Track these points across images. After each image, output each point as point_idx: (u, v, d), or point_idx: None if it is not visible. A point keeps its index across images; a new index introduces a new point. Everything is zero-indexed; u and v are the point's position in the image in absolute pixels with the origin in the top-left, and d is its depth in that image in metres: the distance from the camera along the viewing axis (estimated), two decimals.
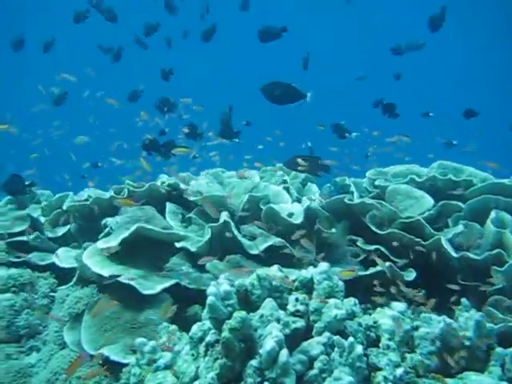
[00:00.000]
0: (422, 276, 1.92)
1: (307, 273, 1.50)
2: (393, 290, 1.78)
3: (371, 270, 1.87)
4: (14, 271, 1.93)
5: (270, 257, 1.90)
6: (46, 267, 2.03)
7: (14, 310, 1.83)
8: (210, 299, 1.32)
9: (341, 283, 1.48)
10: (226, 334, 1.28)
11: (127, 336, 1.59)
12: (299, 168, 2.79)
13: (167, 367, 1.41)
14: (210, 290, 1.34)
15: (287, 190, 2.48)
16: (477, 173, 2.59)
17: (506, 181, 2.33)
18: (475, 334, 1.44)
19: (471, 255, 1.85)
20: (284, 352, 1.21)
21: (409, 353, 1.43)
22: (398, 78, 4.87)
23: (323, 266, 1.47)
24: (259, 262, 1.88)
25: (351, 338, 1.26)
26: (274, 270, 1.50)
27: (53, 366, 1.59)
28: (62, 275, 1.98)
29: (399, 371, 1.32)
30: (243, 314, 1.29)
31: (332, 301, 1.39)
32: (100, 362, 1.48)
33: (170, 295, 1.71)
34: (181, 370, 1.36)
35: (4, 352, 1.73)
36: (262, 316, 1.33)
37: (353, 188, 2.64)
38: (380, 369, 1.31)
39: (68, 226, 2.25)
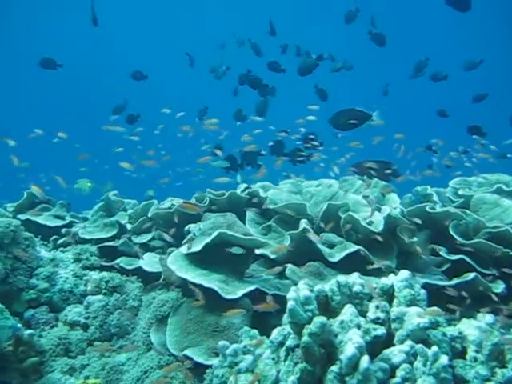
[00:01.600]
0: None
1: (388, 280, 1.47)
2: (480, 301, 1.71)
3: (456, 281, 1.81)
4: (105, 274, 2.06)
5: (349, 265, 1.89)
6: (133, 271, 2.14)
7: (106, 309, 1.94)
8: (290, 304, 1.33)
9: (423, 291, 1.44)
10: (305, 338, 1.29)
11: (210, 339, 1.64)
12: (368, 171, 2.76)
13: (249, 370, 1.43)
14: (290, 294, 1.35)
15: (367, 199, 2.45)
16: None
17: None
18: None
19: None
20: (365, 358, 1.20)
21: (499, 368, 1.36)
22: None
23: (404, 273, 1.45)
24: (339, 269, 1.87)
25: (435, 347, 1.23)
26: (353, 277, 1.49)
27: (142, 366, 1.66)
28: (148, 279, 2.08)
29: None
30: (323, 319, 1.30)
31: (414, 309, 1.35)
32: (184, 363, 1.53)
33: (251, 300, 1.74)
34: (262, 373, 1.39)
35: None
36: (342, 322, 1.32)
37: (435, 197, 2.57)
38: (467, 381, 1.27)
39: (153, 233, 2.36)
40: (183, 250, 1.81)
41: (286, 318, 1.40)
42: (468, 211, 2.12)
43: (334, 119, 2.91)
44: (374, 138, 3.03)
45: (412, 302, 1.41)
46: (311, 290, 1.43)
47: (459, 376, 1.28)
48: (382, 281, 1.49)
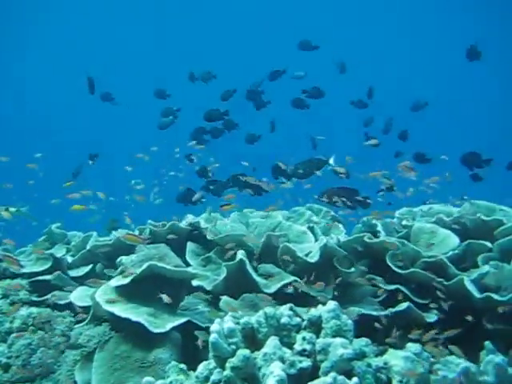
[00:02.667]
0: (445, 318, 1.84)
1: (316, 311, 1.46)
2: (413, 331, 1.71)
3: (390, 310, 1.81)
4: (33, 310, 1.97)
5: (287, 296, 1.87)
6: (66, 306, 2.06)
7: (30, 348, 1.85)
8: (212, 337, 1.30)
9: (349, 322, 1.43)
10: (227, 372, 1.26)
11: (136, 375, 1.58)
12: (334, 200, 2.78)
13: None
14: (213, 327, 1.33)
15: (312, 229, 2.45)
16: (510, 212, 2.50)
17: None
18: (495, 379, 1.35)
19: (495, 296, 1.76)
20: None
21: None
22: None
23: (331, 304, 1.44)
24: (276, 300, 1.85)
25: (355, 379, 1.21)
26: (282, 309, 1.47)
27: None
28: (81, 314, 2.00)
29: None
30: (246, 352, 1.27)
31: (339, 340, 1.34)
32: None
33: (182, 334, 1.70)
34: None
35: None
36: (265, 354, 1.29)
37: (379, 227, 2.59)
38: None
39: (90, 266, 2.30)
40: (112, 283, 1.76)
41: (210, 351, 1.37)
42: (405, 241, 2.14)
43: (294, 169, 3.03)
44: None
45: (338, 333, 1.40)
46: (237, 323, 1.41)
47: None
48: (311, 311, 1.48)
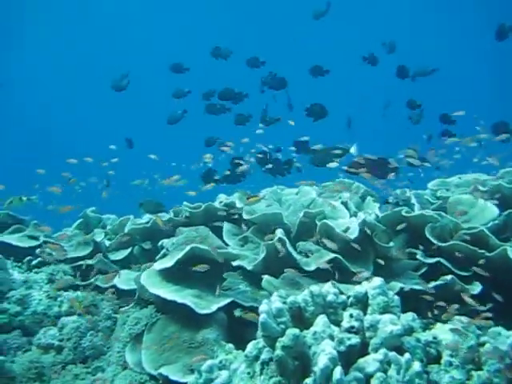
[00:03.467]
0: (489, 290, 1.82)
1: (361, 288, 1.46)
2: (456, 304, 1.70)
3: (432, 284, 1.80)
4: (79, 294, 2.02)
5: (326, 273, 1.88)
6: (109, 289, 2.10)
7: (80, 331, 1.90)
8: (261, 317, 1.32)
9: (396, 298, 1.43)
10: (278, 351, 1.27)
11: (185, 355, 1.62)
12: (363, 170, 2.74)
13: None
14: (262, 307, 1.34)
15: (345, 205, 2.43)
16: None
17: None
18: None
19: None
20: (338, 369, 1.18)
21: (475, 370, 1.35)
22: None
23: (377, 280, 1.44)
24: (316, 278, 1.86)
25: (407, 355, 1.22)
26: (327, 287, 1.47)
27: None
28: (125, 297, 2.04)
29: None
30: (296, 331, 1.28)
31: (387, 316, 1.34)
32: (161, 382, 1.50)
33: (227, 314, 1.72)
34: None
35: (72, 372, 1.80)
36: (315, 333, 1.30)
37: (413, 200, 2.56)
38: None
39: (129, 249, 2.33)
40: (156, 266, 1.78)
41: (259, 331, 1.38)
42: (443, 213, 2.11)
43: (314, 158, 2.99)
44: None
45: (385, 309, 1.40)
46: (284, 302, 1.42)
47: (434, 382, 1.27)
48: (356, 288, 1.48)
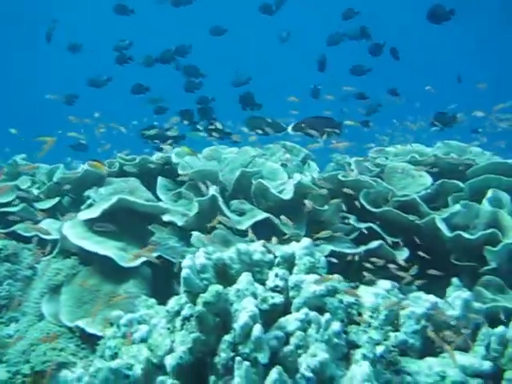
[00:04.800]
0: (417, 255, 1.86)
1: (289, 248, 1.45)
2: (383, 268, 1.73)
3: (361, 248, 1.82)
4: None
5: (260, 233, 1.86)
6: (32, 239, 2.01)
7: None
8: (184, 272, 1.28)
9: (323, 259, 1.43)
10: (199, 307, 1.24)
11: (106, 309, 1.57)
12: (309, 129, 2.72)
13: (143, 340, 1.38)
14: (185, 262, 1.30)
15: (285, 167, 2.42)
16: (482, 152, 2.51)
17: (509, 161, 2.25)
18: (462, 313, 1.39)
19: (465, 234, 1.79)
20: (257, 327, 1.17)
21: (393, 331, 1.38)
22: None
23: (305, 241, 1.43)
24: (246, 237, 1.83)
25: (328, 315, 1.22)
26: (255, 245, 1.45)
27: (30, 338, 1.57)
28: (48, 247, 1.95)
29: (380, 349, 1.27)
30: (218, 287, 1.25)
31: (312, 276, 1.34)
32: (78, 334, 1.45)
33: (153, 269, 1.68)
34: (156, 343, 1.33)
35: None
36: (238, 290, 1.28)
37: (353, 166, 2.57)
38: (359, 346, 1.27)
39: (57, 199, 2.23)
40: (81, 216, 1.71)
41: (181, 286, 1.35)
42: (379, 180, 2.13)
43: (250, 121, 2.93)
44: None
45: (311, 270, 1.39)
46: (209, 259, 1.38)
47: (352, 341, 1.28)
48: (283, 248, 1.47)
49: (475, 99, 3.82)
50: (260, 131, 2.90)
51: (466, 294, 1.42)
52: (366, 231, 1.93)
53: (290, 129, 2.78)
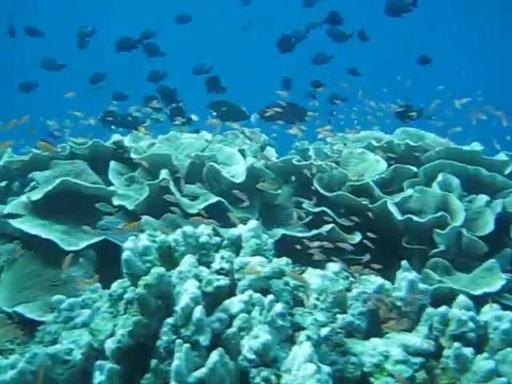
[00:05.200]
0: (369, 239, 1.87)
1: (237, 230, 1.43)
2: (335, 252, 1.72)
3: (313, 232, 1.81)
4: None
5: (211, 217, 1.83)
6: None
7: None
8: (125, 254, 1.24)
9: (270, 241, 1.41)
10: (140, 290, 1.21)
11: (47, 294, 1.52)
12: (273, 114, 2.70)
13: (85, 325, 1.34)
14: (127, 244, 1.26)
15: (242, 152, 2.39)
16: (437, 139, 2.54)
17: (463, 147, 2.28)
18: (407, 294, 1.39)
19: (415, 218, 1.80)
20: (198, 309, 1.14)
21: (340, 314, 1.38)
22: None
23: (252, 223, 1.41)
24: (199, 221, 1.80)
25: (271, 296, 1.20)
26: (201, 228, 1.42)
27: None
28: None
29: (325, 331, 1.26)
30: (161, 269, 1.22)
31: (257, 258, 1.32)
32: (16, 320, 1.40)
33: (99, 252, 1.63)
34: (97, 327, 1.29)
35: None
36: (180, 272, 1.25)
37: (311, 152, 2.57)
38: (304, 328, 1.26)
39: (4, 183, 2.15)
40: (24, 198, 1.64)
41: (123, 269, 1.31)
42: (333, 164, 2.13)
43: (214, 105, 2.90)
44: None
45: (258, 252, 1.38)
46: (154, 241, 1.35)
47: (297, 323, 1.27)
48: (231, 231, 1.45)
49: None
50: (223, 119, 2.86)
51: (411, 275, 1.43)
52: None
53: (253, 117, 2.77)
